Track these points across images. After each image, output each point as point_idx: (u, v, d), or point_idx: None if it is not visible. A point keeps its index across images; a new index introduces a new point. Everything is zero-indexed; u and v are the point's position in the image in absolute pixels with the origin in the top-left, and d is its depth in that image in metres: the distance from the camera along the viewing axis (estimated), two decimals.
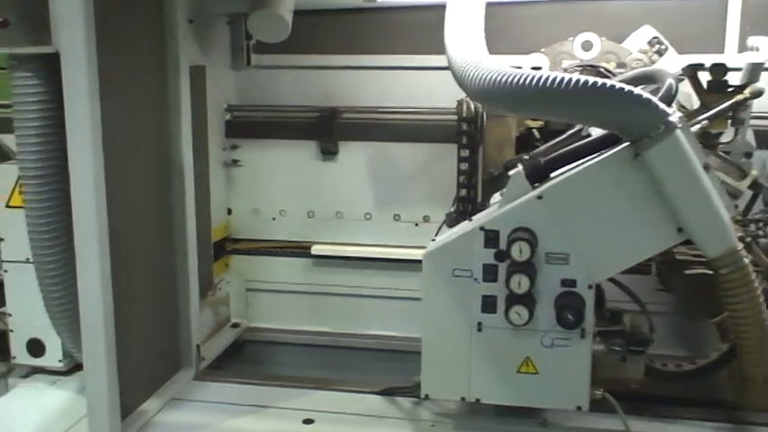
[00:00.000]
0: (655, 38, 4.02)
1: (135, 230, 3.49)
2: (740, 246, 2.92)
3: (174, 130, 3.79)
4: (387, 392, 3.73)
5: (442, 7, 3.63)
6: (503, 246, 3.07)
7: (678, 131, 2.78)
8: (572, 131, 3.49)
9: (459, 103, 3.92)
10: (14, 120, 3.18)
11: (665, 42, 4.00)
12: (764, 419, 3.43)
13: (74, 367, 3.97)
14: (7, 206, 3.89)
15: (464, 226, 3.22)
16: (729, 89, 3.50)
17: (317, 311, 4.91)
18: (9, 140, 4.63)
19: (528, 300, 3.05)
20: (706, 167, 2.88)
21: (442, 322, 3.21)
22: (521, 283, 3.01)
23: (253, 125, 4.77)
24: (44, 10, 2.96)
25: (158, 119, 3.71)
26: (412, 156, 4.61)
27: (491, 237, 3.09)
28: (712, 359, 3.64)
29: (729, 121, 3.51)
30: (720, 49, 4.20)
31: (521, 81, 2.77)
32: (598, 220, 2.99)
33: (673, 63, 3.90)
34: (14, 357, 3.99)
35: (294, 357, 4.89)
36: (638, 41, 4.04)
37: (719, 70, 3.52)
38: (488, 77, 2.89)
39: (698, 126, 3.17)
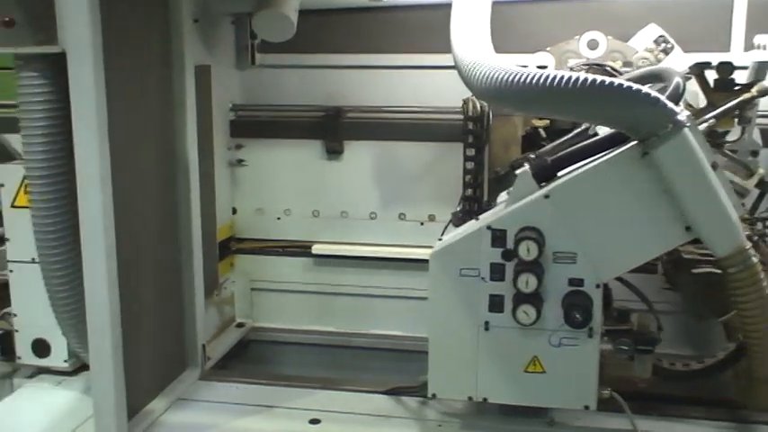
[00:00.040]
0: (661, 36, 4.00)
1: (141, 230, 3.49)
2: (749, 244, 2.91)
3: (180, 130, 3.79)
4: (393, 392, 3.72)
5: (448, 6, 3.63)
6: (510, 245, 3.06)
7: (686, 130, 2.77)
8: (578, 130, 3.48)
9: (465, 102, 3.91)
10: (20, 119, 3.17)
11: (671, 41, 3.99)
12: None
13: (79, 367, 3.96)
14: (12, 206, 3.88)
15: (471, 225, 3.21)
16: (736, 87, 3.49)
17: (321, 311, 4.91)
18: (14, 140, 4.66)
19: (535, 299, 3.04)
20: (714, 166, 2.86)
21: (449, 322, 3.20)
22: (528, 283, 3.00)
23: (257, 125, 4.77)
24: (50, 9, 2.95)
25: (164, 118, 3.70)
26: (417, 155, 4.61)
27: (498, 236, 3.08)
28: (720, 358, 3.65)
29: (736, 120, 3.50)
30: (726, 48, 4.18)
31: (529, 80, 2.76)
32: (605, 218, 2.98)
33: (679, 61, 3.89)
34: (20, 357, 3.98)
35: (299, 357, 4.89)
36: (643, 40, 4.02)
37: (726, 69, 3.52)
38: (496, 76, 2.88)
39: (705, 125, 3.17)
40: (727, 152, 3.52)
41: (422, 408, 3.61)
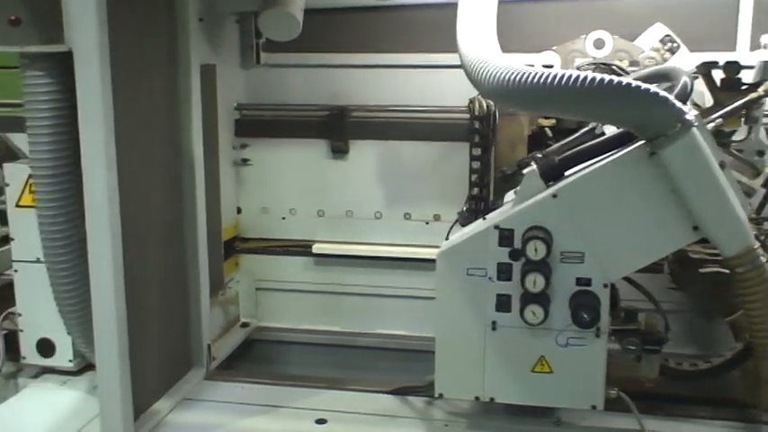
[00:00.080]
0: (667, 36, 4.00)
1: (147, 229, 3.49)
2: (757, 244, 2.90)
3: (185, 129, 3.78)
4: (399, 392, 3.71)
5: (453, 5, 3.62)
6: (517, 244, 3.05)
7: (695, 130, 2.76)
8: (585, 130, 3.48)
9: (471, 101, 3.90)
10: (26, 119, 3.16)
11: (677, 40, 3.99)
12: None
13: (84, 367, 3.95)
14: (17, 206, 3.87)
15: (478, 225, 3.20)
16: (743, 87, 3.49)
17: (326, 311, 4.90)
18: (18, 140, 4.65)
19: (543, 299, 3.04)
20: (722, 165, 2.86)
21: (456, 321, 3.19)
22: (536, 282, 3.00)
23: (262, 124, 4.76)
24: (56, 8, 2.94)
25: (169, 118, 3.70)
26: (422, 154, 4.61)
27: (506, 235, 3.07)
28: (727, 358, 3.64)
29: (743, 120, 3.50)
30: (732, 47, 4.18)
31: (538, 79, 2.75)
32: (613, 218, 2.98)
33: (685, 61, 3.89)
34: (24, 357, 3.97)
35: (304, 357, 4.88)
36: (650, 39, 4.03)
37: (733, 68, 3.51)
38: (504, 76, 2.87)
39: (712, 124, 3.16)
40: (734, 152, 3.51)
41: (428, 408, 3.60)
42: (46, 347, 3.91)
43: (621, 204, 2.95)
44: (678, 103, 2.74)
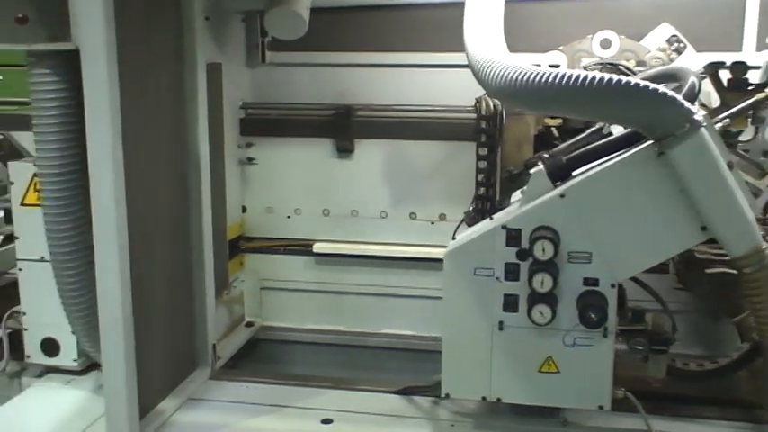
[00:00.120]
0: (673, 36, 4.00)
1: (153, 228, 3.48)
2: (765, 244, 2.89)
3: (191, 128, 3.78)
4: (405, 392, 3.71)
5: (459, 5, 3.61)
6: (525, 244, 3.05)
7: (703, 130, 2.75)
8: (592, 129, 3.47)
9: (478, 100, 3.91)
10: (33, 117, 3.16)
11: (684, 40, 3.99)
12: None
13: (88, 366, 3.95)
14: (22, 204, 3.86)
15: (485, 225, 3.19)
16: (750, 87, 3.48)
17: (331, 310, 4.90)
18: (22, 138, 4.65)
19: (550, 299, 3.03)
20: (730, 165, 2.85)
21: (463, 321, 3.19)
22: (544, 282, 2.99)
23: (267, 123, 4.76)
24: (63, 6, 2.94)
25: (176, 116, 3.69)
26: (428, 154, 4.60)
27: (513, 235, 3.06)
28: (734, 358, 3.64)
29: (749, 120, 3.49)
30: (738, 47, 4.18)
31: (546, 79, 2.75)
32: (621, 218, 2.97)
33: (691, 61, 3.89)
34: (29, 357, 3.97)
35: (308, 356, 4.88)
36: (656, 39, 4.03)
37: (740, 68, 3.51)
38: (511, 75, 2.86)
39: (719, 124, 3.15)
40: (740, 152, 3.50)
41: (434, 407, 3.59)
42: (50, 347, 3.91)
43: (629, 204, 2.94)
44: (687, 104, 2.74)
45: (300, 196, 4.81)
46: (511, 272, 3.10)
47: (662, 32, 4.02)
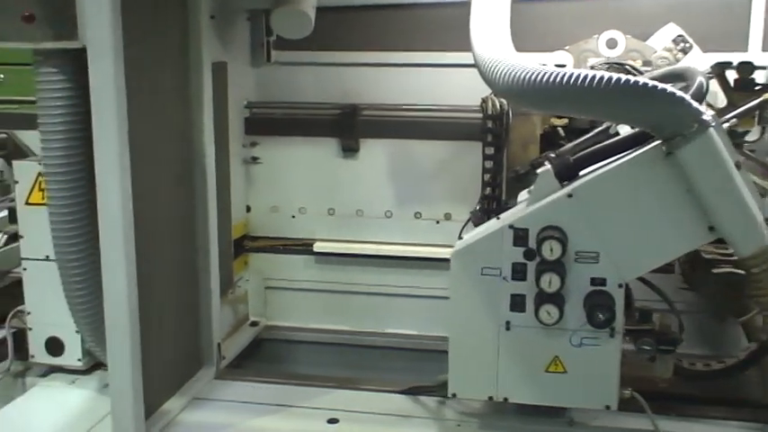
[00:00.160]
0: (679, 36, 4.00)
1: (159, 227, 3.47)
2: None
3: (197, 128, 3.77)
4: (411, 392, 3.70)
5: (465, 4, 3.62)
6: (532, 244, 3.04)
7: (712, 130, 2.74)
8: (599, 129, 3.46)
9: (484, 100, 3.90)
10: (39, 116, 3.14)
11: (690, 40, 3.98)
12: None
13: (93, 366, 3.94)
14: (26, 203, 3.85)
15: (492, 224, 3.18)
16: (757, 87, 3.48)
17: (335, 310, 4.89)
18: (26, 137, 4.65)
19: (558, 298, 3.03)
20: (738, 165, 2.84)
21: (470, 321, 3.18)
22: (551, 282, 2.99)
23: (272, 122, 4.74)
24: (70, 5, 2.93)
25: (181, 116, 3.69)
26: (433, 153, 4.59)
27: (520, 235, 3.06)
28: (740, 359, 3.64)
29: (756, 120, 3.49)
30: (744, 47, 4.17)
31: (552, 79, 2.74)
32: (629, 218, 2.96)
33: (697, 61, 3.88)
34: (33, 356, 3.95)
35: (313, 356, 4.86)
36: (662, 39, 4.02)
37: (747, 68, 3.52)
38: (518, 75, 2.86)
39: (727, 124, 3.15)
40: (746, 152, 3.50)
41: (440, 407, 3.59)
42: (55, 346, 3.90)
43: (637, 204, 2.94)
44: (695, 104, 2.73)
45: (305, 196, 4.80)
46: (518, 272, 3.09)
47: (668, 32, 4.02)
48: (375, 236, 4.75)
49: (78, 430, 3.48)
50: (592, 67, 3.85)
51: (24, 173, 3.84)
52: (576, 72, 2.72)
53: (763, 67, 3.79)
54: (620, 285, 3.02)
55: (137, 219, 3.10)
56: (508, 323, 3.14)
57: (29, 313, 3.92)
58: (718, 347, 4.10)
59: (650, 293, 3.38)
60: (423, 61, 4.52)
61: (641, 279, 3.27)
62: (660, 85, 2.69)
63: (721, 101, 3.59)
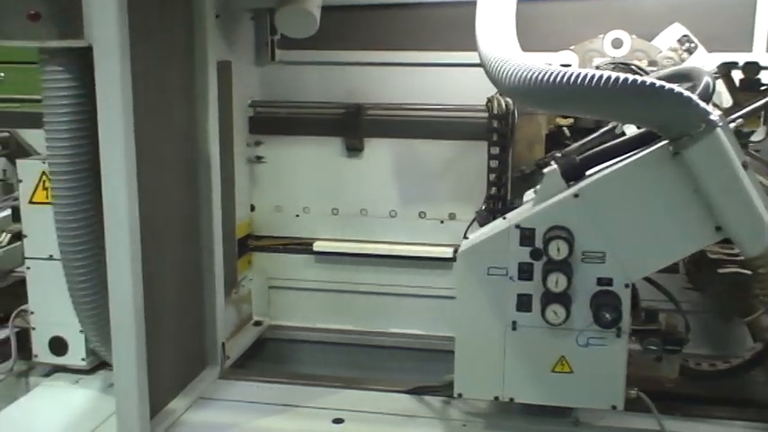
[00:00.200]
0: (684, 36, 3.99)
1: (164, 227, 3.46)
2: None
3: (202, 127, 3.77)
4: (416, 391, 3.70)
5: (470, 4, 3.60)
6: (538, 244, 3.04)
7: (719, 130, 2.74)
8: (605, 129, 3.46)
9: (490, 99, 3.89)
10: (45, 115, 3.15)
11: (695, 40, 3.97)
12: None
13: (96, 366, 3.93)
14: (30, 202, 3.84)
15: (498, 224, 3.18)
16: (762, 87, 3.48)
17: (339, 309, 4.88)
18: (28, 136, 4.64)
19: (564, 298, 3.02)
20: (745, 165, 2.84)
21: (477, 321, 3.18)
22: (558, 282, 2.98)
23: (277, 121, 4.74)
24: (76, 3, 2.93)
25: (186, 115, 3.68)
26: (437, 153, 4.59)
27: (527, 235, 3.06)
28: (746, 359, 3.64)
29: (762, 120, 3.49)
30: (749, 47, 4.16)
31: (559, 78, 2.74)
32: (635, 218, 2.96)
33: (702, 61, 3.88)
34: (36, 356, 3.95)
35: (317, 356, 4.86)
36: (667, 39, 4.01)
37: (753, 69, 3.51)
38: (524, 74, 2.85)
39: (733, 124, 3.14)
40: (752, 152, 3.50)
41: (445, 407, 3.58)
42: (58, 346, 3.89)
43: (644, 204, 2.93)
44: (702, 104, 2.72)
45: (309, 195, 4.80)
46: (524, 271, 3.09)
47: (673, 32, 4.01)
48: (379, 235, 4.75)
49: (82, 430, 3.47)
50: (597, 67, 3.83)
51: (28, 171, 3.83)
52: (584, 72, 2.71)
53: (767, 68, 3.78)
54: (627, 285, 3.02)
55: (142, 218, 3.10)
56: (514, 323, 3.14)
57: (32, 313, 3.92)
58: (724, 347, 4.09)
59: (656, 293, 3.38)
60: (428, 61, 4.52)
61: (647, 279, 3.26)
62: (667, 85, 2.68)
63: (726, 101, 3.58)
